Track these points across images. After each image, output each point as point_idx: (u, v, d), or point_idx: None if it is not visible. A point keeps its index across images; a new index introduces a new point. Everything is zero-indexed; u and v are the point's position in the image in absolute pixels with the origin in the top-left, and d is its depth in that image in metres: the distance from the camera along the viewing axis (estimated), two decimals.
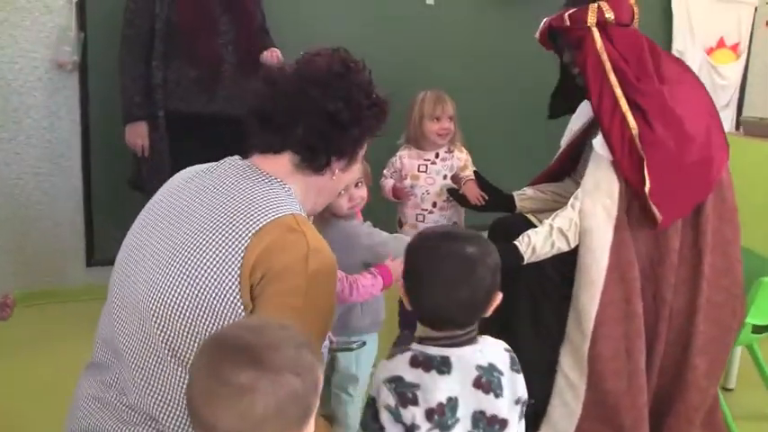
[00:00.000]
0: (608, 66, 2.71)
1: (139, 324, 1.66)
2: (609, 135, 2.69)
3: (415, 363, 1.71)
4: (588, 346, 2.71)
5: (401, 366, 1.72)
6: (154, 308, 1.63)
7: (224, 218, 1.65)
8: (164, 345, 1.62)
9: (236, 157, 1.83)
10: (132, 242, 1.78)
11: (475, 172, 3.41)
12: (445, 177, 3.52)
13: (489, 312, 1.75)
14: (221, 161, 1.84)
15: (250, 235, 1.62)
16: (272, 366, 1.20)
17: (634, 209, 2.73)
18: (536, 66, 4.69)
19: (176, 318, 1.61)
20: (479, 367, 1.71)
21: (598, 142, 2.75)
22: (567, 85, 2.98)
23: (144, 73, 3.48)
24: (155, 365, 1.64)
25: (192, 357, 1.53)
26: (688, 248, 2.83)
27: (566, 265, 2.77)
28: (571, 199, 2.79)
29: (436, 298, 1.70)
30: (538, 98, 4.68)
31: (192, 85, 3.52)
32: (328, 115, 1.75)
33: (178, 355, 1.62)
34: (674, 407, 2.83)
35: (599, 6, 2.74)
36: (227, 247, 1.62)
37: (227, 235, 1.63)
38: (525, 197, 3.23)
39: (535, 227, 3.05)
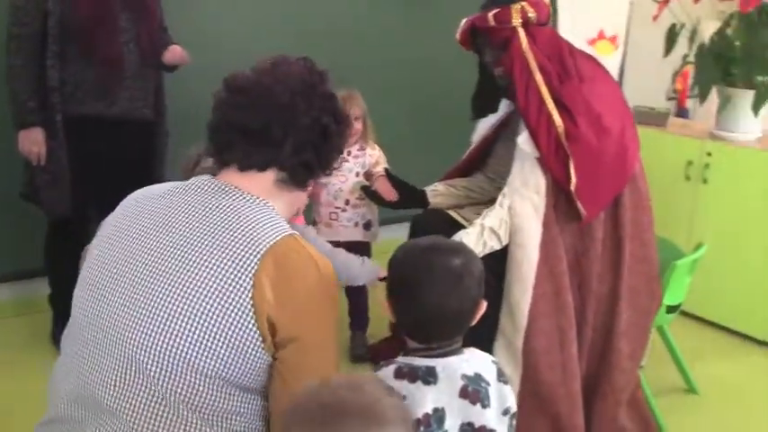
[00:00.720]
0: (533, 65, 2.78)
1: (133, 373, 1.52)
2: (536, 133, 2.77)
3: (400, 374, 1.69)
4: (522, 341, 2.77)
5: (386, 379, 1.69)
6: (154, 354, 1.51)
7: (220, 243, 1.55)
8: (171, 393, 1.51)
9: (205, 176, 1.69)
10: (99, 280, 1.61)
11: (386, 170, 3.41)
12: (358, 175, 3.49)
13: (475, 321, 1.76)
14: (189, 181, 1.69)
15: (257, 259, 1.53)
16: (386, 421, 1.23)
17: (560, 204, 2.81)
18: (446, 67, 4.81)
19: (188, 362, 1.50)
20: (465, 377, 1.69)
21: (523, 140, 2.81)
22: (487, 85, 3.04)
23: (37, 75, 3.25)
24: (164, 417, 1.52)
25: (203, 400, 1.49)
26: (609, 238, 2.93)
27: (497, 261, 2.81)
28: (499, 197, 2.85)
29: (425, 311, 1.69)
30: (448, 97, 4.81)
31: (92, 86, 3.33)
32: (321, 128, 1.69)
33: (189, 402, 1.51)
34: (601, 389, 2.92)
35: (522, 6, 2.80)
36: (232, 276, 1.52)
37: (229, 263, 1.52)
38: (437, 193, 3.27)
39: (456, 223, 3.12)
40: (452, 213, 3.22)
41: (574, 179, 2.73)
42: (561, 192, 2.79)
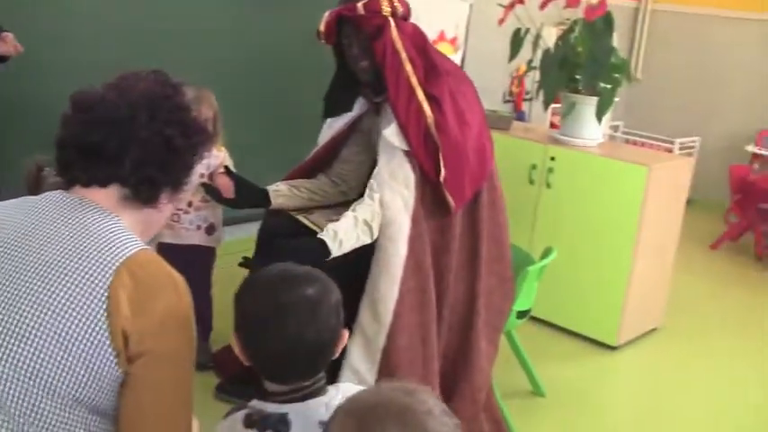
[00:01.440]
0: (404, 55, 2.77)
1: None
2: (406, 125, 2.74)
3: (250, 422, 1.57)
4: (384, 338, 2.71)
5: (236, 427, 1.57)
6: (6, 376, 1.40)
7: (74, 257, 1.46)
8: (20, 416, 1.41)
9: (57, 191, 1.59)
10: None
11: (226, 167, 3.22)
12: (202, 176, 3.28)
13: (337, 354, 1.63)
14: (41, 196, 1.61)
15: (111, 272, 1.45)
16: None
17: (426, 198, 2.79)
18: (295, 64, 4.66)
19: (43, 383, 1.41)
20: (322, 423, 1.51)
21: (391, 132, 2.78)
22: (345, 81, 2.96)
23: None
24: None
25: (53, 425, 1.41)
26: (466, 236, 2.93)
27: (359, 256, 2.74)
28: (367, 190, 2.78)
29: (278, 347, 1.54)
30: (296, 96, 4.67)
31: None
32: (162, 142, 1.57)
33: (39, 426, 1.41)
34: (459, 389, 2.91)
35: None
36: (86, 290, 1.43)
37: (83, 277, 1.44)
38: (279, 193, 3.15)
39: (307, 228, 2.99)
40: (301, 218, 3.09)
41: (443, 170, 2.72)
42: (427, 186, 2.78)
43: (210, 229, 3.38)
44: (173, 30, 4.23)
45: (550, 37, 5.51)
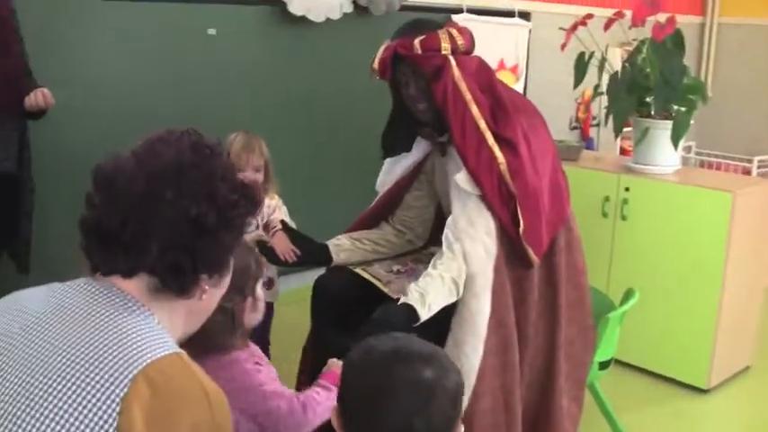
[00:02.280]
0: (468, 96, 2.52)
1: None
2: (476, 172, 2.53)
3: None
4: (468, 402, 2.47)
5: None
6: None
7: (89, 357, 1.23)
8: None
9: (84, 278, 1.38)
10: None
11: (282, 222, 3.00)
12: (257, 227, 3.10)
13: None
14: (68, 283, 1.39)
15: (127, 381, 1.21)
16: None
17: (505, 247, 2.58)
18: (349, 104, 4.44)
19: None
20: None
21: (462, 178, 2.56)
22: (402, 121, 2.73)
23: None
24: None
25: None
26: (544, 284, 2.72)
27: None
28: (444, 242, 2.57)
29: (383, 430, 1.37)
30: (350, 139, 4.46)
31: None
32: (191, 222, 1.34)
33: None
34: None
35: (449, 33, 2.52)
36: (96, 401, 1.19)
37: (94, 384, 1.21)
38: (341, 248, 2.91)
39: (366, 282, 2.78)
40: (360, 271, 2.86)
41: (522, 222, 2.51)
42: (504, 235, 2.56)
43: (269, 284, 3.16)
44: (217, 75, 4.07)
45: (615, 58, 5.26)
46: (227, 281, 1.47)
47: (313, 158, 4.46)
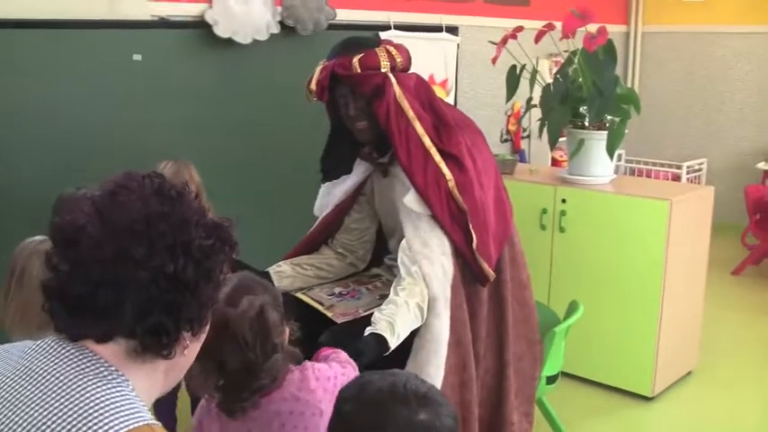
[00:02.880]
0: (411, 114, 2.48)
1: None
2: (425, 191, 2.48)
3: None
4: None
5: None
6: None
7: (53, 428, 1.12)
8: None
9: (54, 337, 1.25)
10: None
11: None
12: None
13: None
14: (43, 342, 1.24)
15: None
16: None
17: (459, 265, 2.54)
18: (281, 126, 4.34)
19: None
20: None
21: (411, 199, 2.51)
22: (341, 142, 2.66)
23: None
24: None
25: None
26: (492, 300, 2.70)
27: None
28: (401, 267, 2.52)
29: None
30: (284, 162, 4.35)
31: None
32: (168, 279, 1.21)
33: None
34: None
35: (387, 50, 2.47)
36: None
37: None
38: (284, 275, 2.85)
39: (308, 306, 2.70)
40: (301, 296, 2.78)
41: (475, 238, 2.48)
42: (458, 252, 2.53)
43: None
44: (145, 101, 3.95)
45: (544, 70, 5.28)
46: (207, 329, 1.34)
47: (247, 183, 4.35)
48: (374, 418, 1.35)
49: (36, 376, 1.18)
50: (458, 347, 2.50)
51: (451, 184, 2.47)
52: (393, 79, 2.49)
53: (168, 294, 1.20)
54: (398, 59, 2.52)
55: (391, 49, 2.54)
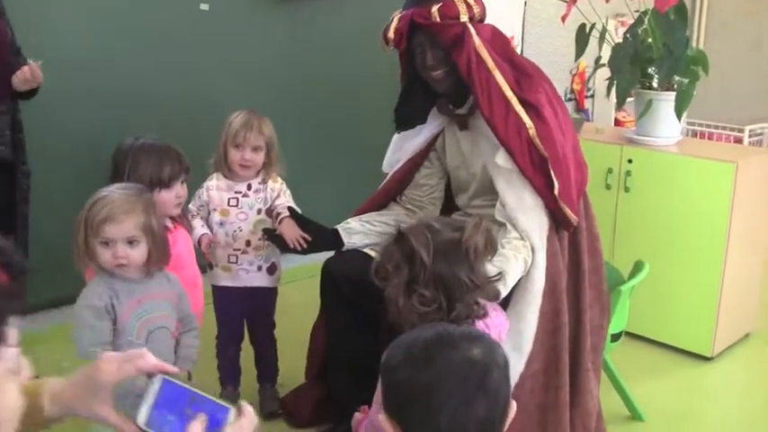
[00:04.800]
0: (490, 63, 2.51)
1: None
2: (506, 140, 2.53)
3: None
4: (523, 365, 2.52)
5: None
6: None
7: None
8: None
9: None
10: None
11: (289, 208, 2.94)
12: (260, 212, 3.03)
13: (505, 430, 1.36)
14: None
15: None
16: None
17: (550, 214, 2.61)
18: (350, 83, 4.35)
19: None
20: None
21: (502, 157, 2.56)
22: (419, 92, 2.67)
23: None
24: None
25: None
26: (570, 247, 2.73)
27: None
28: (503, 227, 2.57)
29: (443, 425, 1.27)
30: (352, 118, 4.38)
31: None
32: None
33: None
34: (570, 417, 2.68)
35: (465, 1, 2.48)
36: None
37: None
38: (352, 231, 2.90)
39: None
40: (370, 252, 2.81)
41: (557, 183, 2.52)
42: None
43: (272, 269, 3.12)
44: (211, 53, 4.00)
45: (610, 30, 5.21)
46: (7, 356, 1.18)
47: (313, 140, 4.39)
48: (433, 371, 1.30)
49: None
50: (552, 294, 2.57)
51: (532, 132, 2.50)
52: (472, 30, 2.52)
53: None
54: (476, 9, 2.56)
55: None
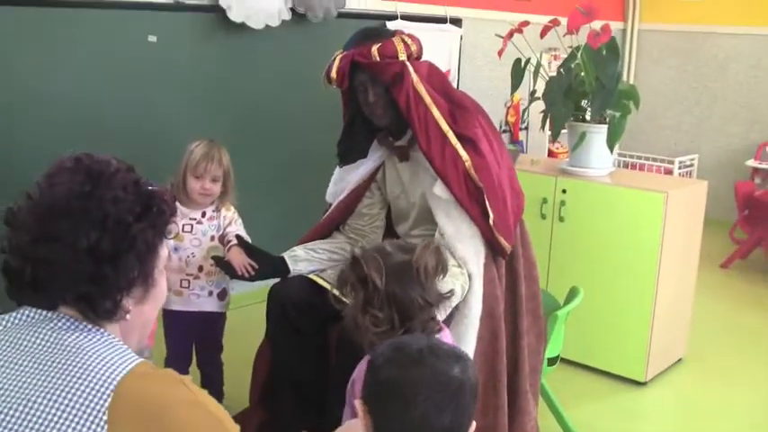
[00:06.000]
0: (428, 99, 2.59)
1: None
2: (443, 173, 2.62)
3: None
4: None
5: None
6: None
7: (55, 386, 1.22)
8: None
9: (27, 308, 1.36)
10: None
11: (238, 236, 3.00)
12: (213, 239, 3.08)
13: None
14: (18, 313, 1.36)
15: (108, 393, 1.21)
16: None
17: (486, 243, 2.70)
18: (290, 111, 4.40)
19: None
20: None
21: (440, 188, 2.66)
22: (361, 127, 2.76)
23: None
24: None
25: None
26: (508, 273, 2.82)
27: None
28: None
29: (411, 426, 1.43)
30: (294, 147, 4.42)
31: None
32: (85, 253, 1.30)
33: None
34: None
35: (403, 40, 2.59)
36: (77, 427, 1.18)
37: (69, 411, 1.19)
38: (299, 259, 2.97)
39: (321, 287, 2.80)
40: (314, 278, 2.89)
41: (491, 213, 2.61)
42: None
43: (223, 294, 3.17)
44: (159, 82, 4.02)
45: (543, 64, 5.35)
46: (156, 292, 1.44)
47: (257, 168, 4.41)
48: (420, 372, 1.44)
49: (25, 346, 1.28)
50: (490, 319, 2.64)
51: (468, 164, 2.60)
52: (410, 67, 2.61)
53: (88, 267, 1.30)
54: (413, 48, 2.66)
55: (406, 38, 2.68)
